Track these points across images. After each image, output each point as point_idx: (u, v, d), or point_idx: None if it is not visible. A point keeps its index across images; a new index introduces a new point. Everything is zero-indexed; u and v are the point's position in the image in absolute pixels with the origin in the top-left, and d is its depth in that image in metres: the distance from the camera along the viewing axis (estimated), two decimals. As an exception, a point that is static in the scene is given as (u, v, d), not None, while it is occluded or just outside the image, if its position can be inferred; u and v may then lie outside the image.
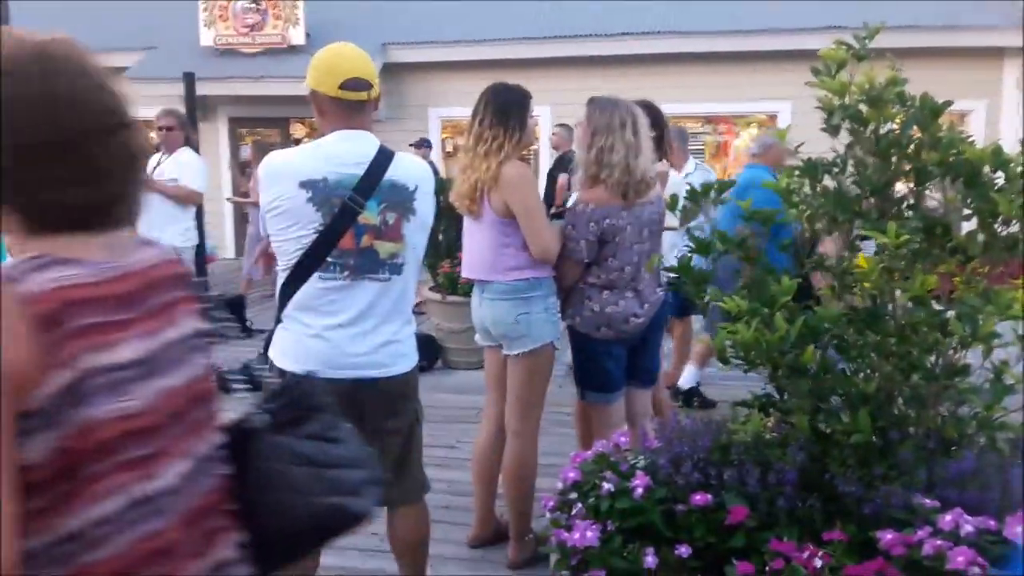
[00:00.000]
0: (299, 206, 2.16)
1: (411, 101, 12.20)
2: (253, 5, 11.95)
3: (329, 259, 2.19)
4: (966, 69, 10.73)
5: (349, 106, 2.21)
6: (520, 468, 3.16)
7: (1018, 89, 10.54)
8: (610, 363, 3.16)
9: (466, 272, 3.18)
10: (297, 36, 11.83)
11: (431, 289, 7.17)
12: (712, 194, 2.30)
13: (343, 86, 2.19)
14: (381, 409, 2.31)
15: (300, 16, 11.87)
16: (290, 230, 2.19)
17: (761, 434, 2.01)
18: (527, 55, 11.55)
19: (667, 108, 3.91)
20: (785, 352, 1.91)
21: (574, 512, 2.08)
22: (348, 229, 2.18)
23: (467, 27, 12.04)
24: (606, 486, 2.05)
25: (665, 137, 3.72)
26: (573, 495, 2.16)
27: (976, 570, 1.52)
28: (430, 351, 6.11)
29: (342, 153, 2.20)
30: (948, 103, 2.00)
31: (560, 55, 11.52)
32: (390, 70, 12.11)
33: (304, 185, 2.16)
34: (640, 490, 2.00)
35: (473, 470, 3.41)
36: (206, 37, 12.06)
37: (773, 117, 10.74)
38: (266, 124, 12.75)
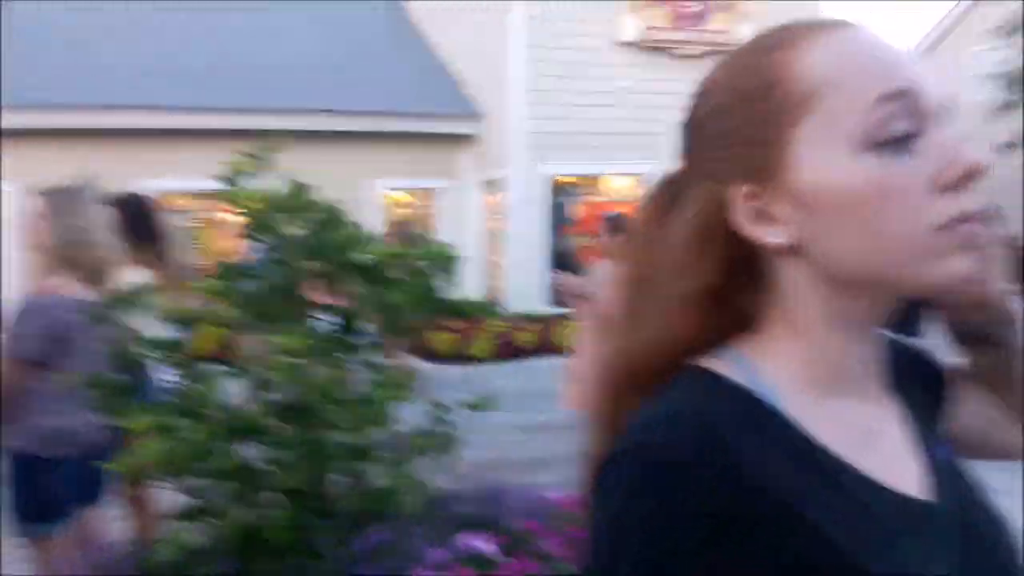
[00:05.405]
0: None
1: None
2: None
3: None
4: (434, 151, 12.28)
5: None
6: None
7: (475, 170, 12.40)
8: (61, 486, 2.70)
9: None
10: None
11: None
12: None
13: None
14: None
15: None
16: None
17: (188, 546, 1.95)
18: None
19: (153, 184, 3.63)
20: (205, 456, 1.90)
21: None
22: None
23: None
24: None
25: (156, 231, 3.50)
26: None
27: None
28: None
29: None
30: (342, 209, 2.23)
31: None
32: None
33: None
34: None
35: None
36: None
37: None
38: None
